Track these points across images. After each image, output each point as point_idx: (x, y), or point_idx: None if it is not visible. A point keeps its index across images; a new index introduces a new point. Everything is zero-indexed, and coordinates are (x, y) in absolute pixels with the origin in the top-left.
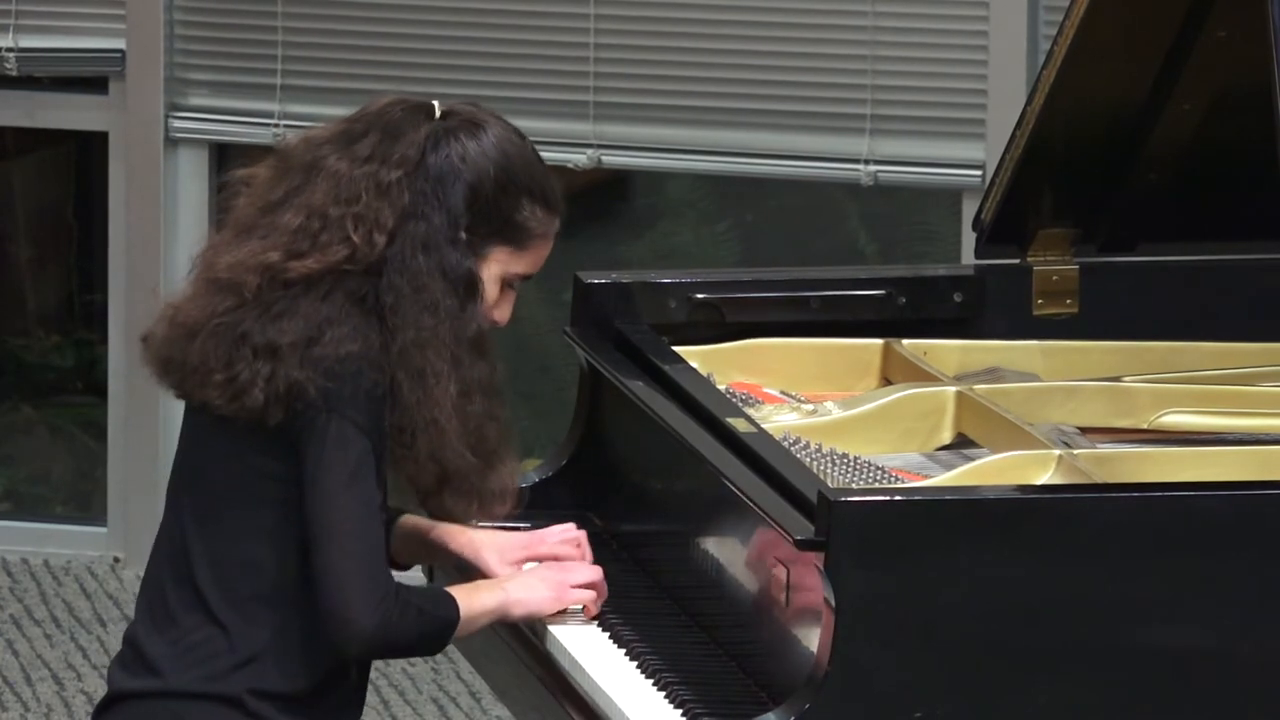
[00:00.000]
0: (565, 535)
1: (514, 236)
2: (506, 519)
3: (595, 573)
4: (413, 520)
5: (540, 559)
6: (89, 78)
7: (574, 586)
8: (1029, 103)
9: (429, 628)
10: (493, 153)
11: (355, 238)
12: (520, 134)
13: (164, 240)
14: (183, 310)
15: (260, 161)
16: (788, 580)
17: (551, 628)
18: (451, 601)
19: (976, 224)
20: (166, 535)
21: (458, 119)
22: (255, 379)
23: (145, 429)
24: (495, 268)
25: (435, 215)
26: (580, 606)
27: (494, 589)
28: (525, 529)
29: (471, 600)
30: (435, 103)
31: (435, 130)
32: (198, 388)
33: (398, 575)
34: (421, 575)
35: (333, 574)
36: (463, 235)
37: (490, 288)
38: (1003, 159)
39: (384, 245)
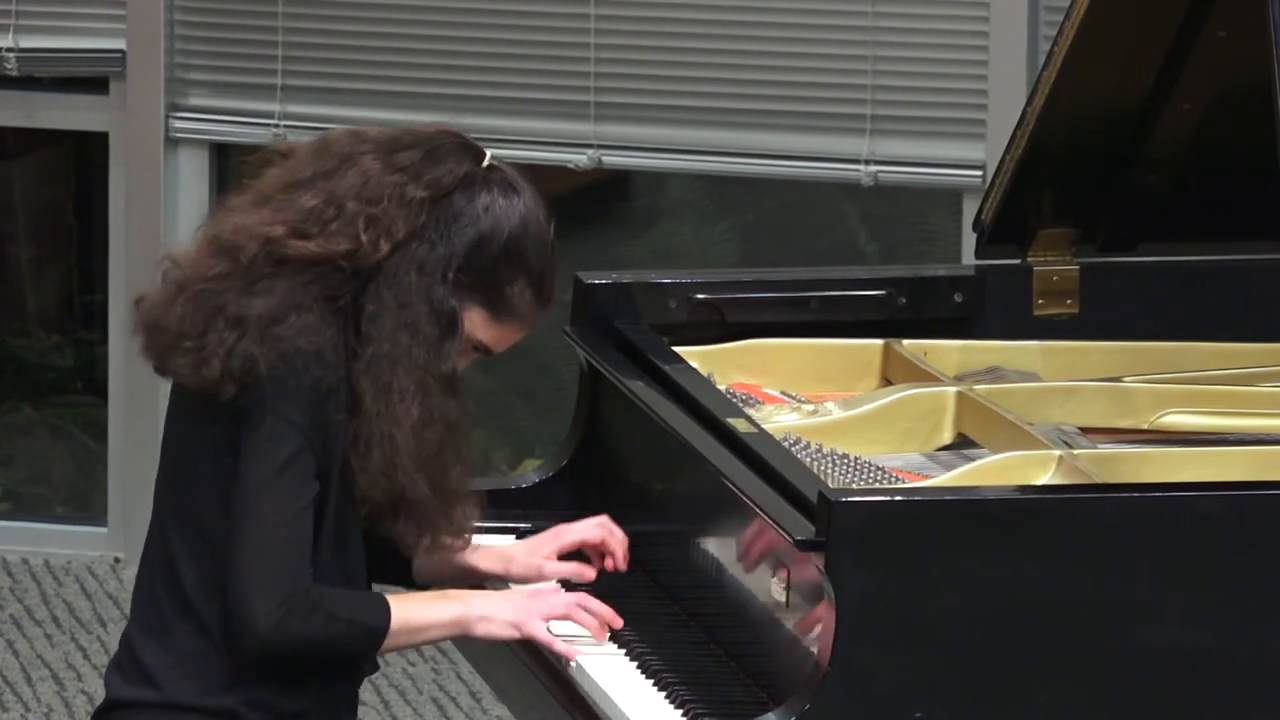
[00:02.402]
0: (590, 522)
1: (495, 305)
2: (452, 553)
3: (566, 604)
4: None
5: (569, 547)
6: (89, 78)
7: (548, 618)
8: (1029, 103)
9: (346, 635)
10: (514, 218)
11: (363, 236)
12: (548, 218)
13: (164, 240)
14: (178, 265)
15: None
16: (788, 580)
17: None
18: (383, 610)
19: (977, 224)
20: (155, 538)
21: (500, 175)
22: (218, 349)
23: (145, 429)
24: (465, 325)
25: (439, 246)
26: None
27: (453, 601)
28: (525, 529)
29: (416, 610)
30: (489, 152)
31: (475, 173)
32: (170, 355)
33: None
34: None
35: (237, 570)
36: (450, 276)
37: None
38: (1003, 159)
39: (386, 254)
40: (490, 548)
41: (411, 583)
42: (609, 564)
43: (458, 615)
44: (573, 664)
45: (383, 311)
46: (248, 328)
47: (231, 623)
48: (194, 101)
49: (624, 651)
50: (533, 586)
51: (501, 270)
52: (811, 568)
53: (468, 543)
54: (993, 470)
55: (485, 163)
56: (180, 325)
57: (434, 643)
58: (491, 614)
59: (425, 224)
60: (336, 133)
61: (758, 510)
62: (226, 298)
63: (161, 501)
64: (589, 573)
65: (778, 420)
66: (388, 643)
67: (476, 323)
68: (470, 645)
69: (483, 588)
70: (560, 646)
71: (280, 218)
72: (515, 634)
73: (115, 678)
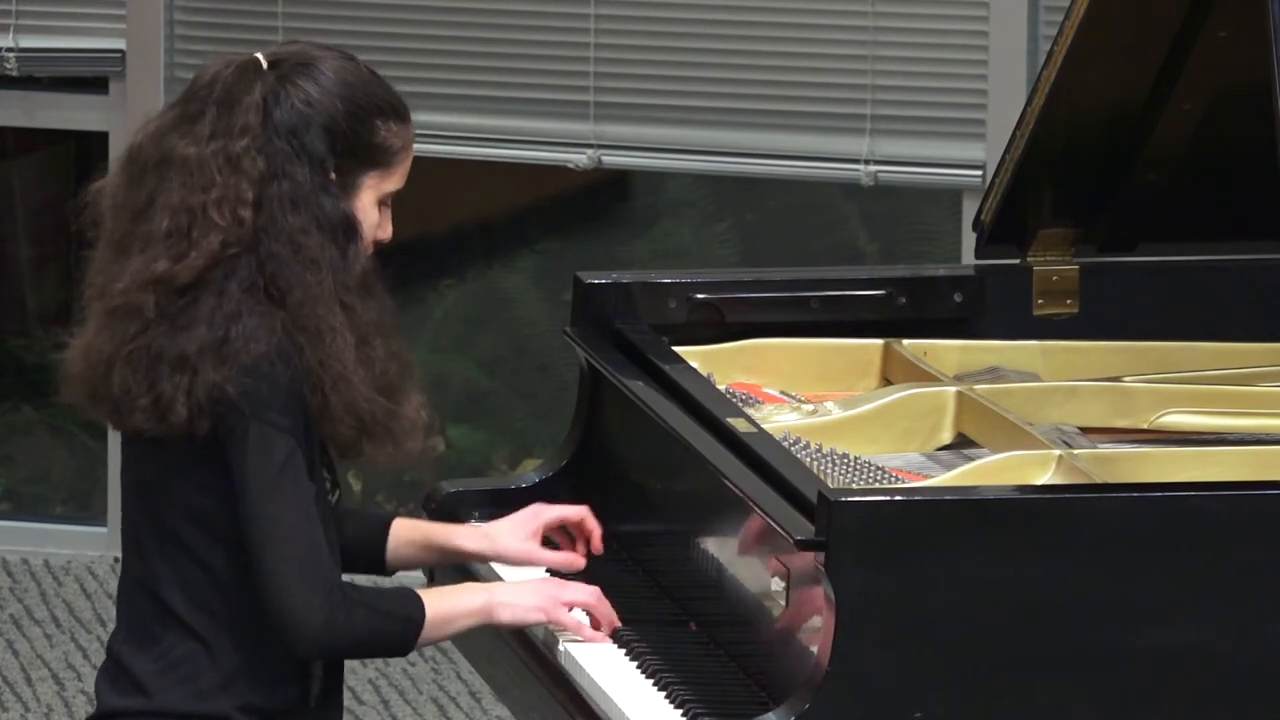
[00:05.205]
0: (570, 509)
1: (380, 159)
2: (417, 456)
3: (591, 592)
4: (411, 524)
5: (551, 524)
6: (89, 78)
7: (571, 605)
8: (1029, 103)
9: (385, 627)
10: (334, 87)
11: (222, 221)
12: (351, 57)
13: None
14: (93, 346)
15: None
16: (788, 580)
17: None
18: (415, 600)
19: (976, 224)
20: (132, 554)
21: (288, 65)
22: (176, 393)
23: None
24: (369, 194)
25: (298, 170)
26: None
27: (477, 590)
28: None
29: (445, 601)
30: (259, 55)
31: (270, 86)
32: (127, 415)
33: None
34: (421, 576)
35: (271, 578)
36: (333, 177)
37: (370, 213)
38: (1003, 159)
39: (252, 218)
40: (472, 527)
41: (384, 572)
42: (587, 548)
43: (483, 603)
44: (561, 650)
45: (282, 266)
46: (197, 361)
47: (279, 631)
48: None
49: (624, 651)
50: (526, 572)
51: (361, 130)
52: (811, 568)
53: (428, 436)
54: (993, 470)
55: (264, 66)
56: (125, 387)
57: (460, 634)
58: (516, 600)
59: (268, 165)
60: (136, 143)
61: (758, 510)
62: (159, 343)
63: (133, 519)
64: (579, 561)
65: (778, 420)
66: (423, 635)
67: (377, 185)
68: (470, 645)
69: (467, 571)
70: (589, 632)
71: (151, 255)
72: (542, 618)
73: (105, 687)
